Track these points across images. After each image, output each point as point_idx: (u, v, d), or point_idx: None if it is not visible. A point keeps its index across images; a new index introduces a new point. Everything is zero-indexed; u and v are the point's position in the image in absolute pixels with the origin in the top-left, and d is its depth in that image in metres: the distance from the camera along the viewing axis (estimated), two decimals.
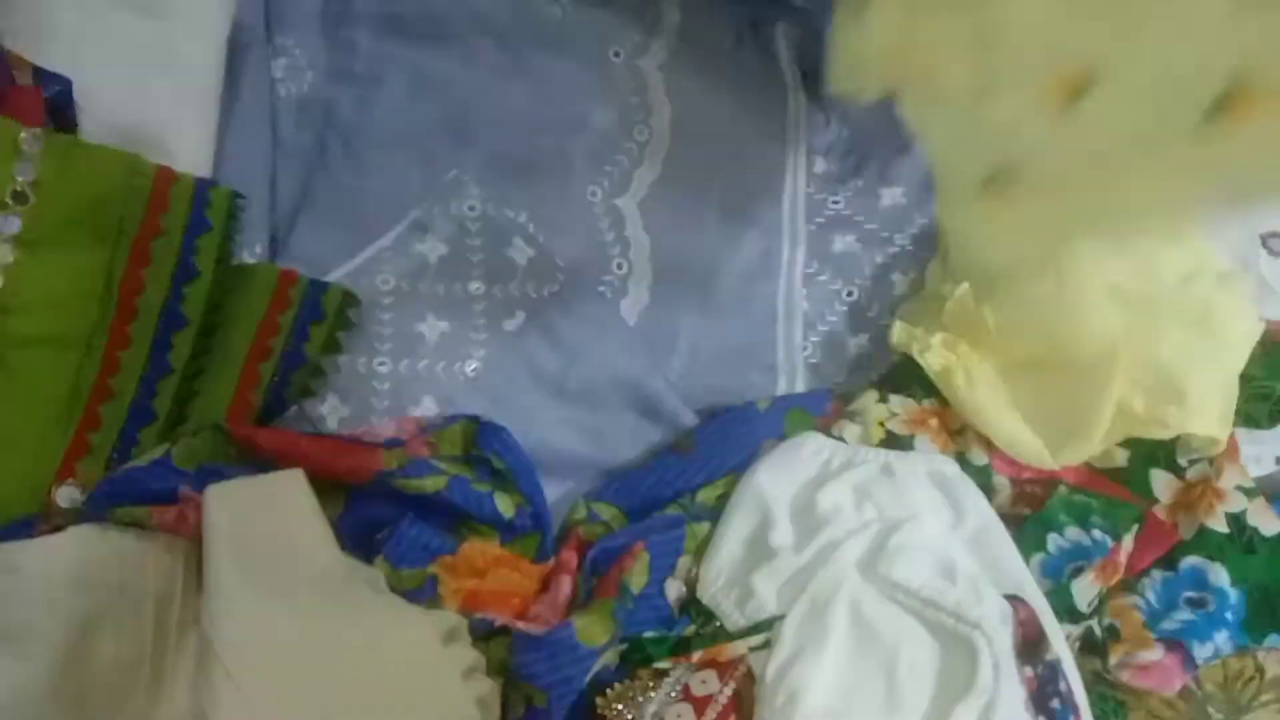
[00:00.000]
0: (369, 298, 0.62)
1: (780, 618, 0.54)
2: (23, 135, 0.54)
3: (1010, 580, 0.55)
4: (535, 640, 0.52)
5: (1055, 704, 0.49)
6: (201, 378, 0.57)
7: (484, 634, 0.53)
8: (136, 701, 0.48)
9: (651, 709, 0.53)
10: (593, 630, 0.52)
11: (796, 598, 0.54)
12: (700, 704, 0.53)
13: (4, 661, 0.46)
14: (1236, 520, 0.60)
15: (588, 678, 0.53)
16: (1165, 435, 0.59)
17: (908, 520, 0.57)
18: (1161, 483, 0.60)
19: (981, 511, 0.58)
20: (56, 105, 0.57)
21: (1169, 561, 0.60)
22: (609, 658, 0.54)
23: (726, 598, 0.55)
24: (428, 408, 0.61)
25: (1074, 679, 0.52)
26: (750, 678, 0.53)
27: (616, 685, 0.53)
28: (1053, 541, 0.57)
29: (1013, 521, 0.59)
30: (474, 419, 0.59)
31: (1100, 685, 0.56)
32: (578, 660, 0.52)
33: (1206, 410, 0.59)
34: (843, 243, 0.71)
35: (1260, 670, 0.60)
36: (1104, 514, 0.58)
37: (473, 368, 0.62)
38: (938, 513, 0.59)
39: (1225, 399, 0.59)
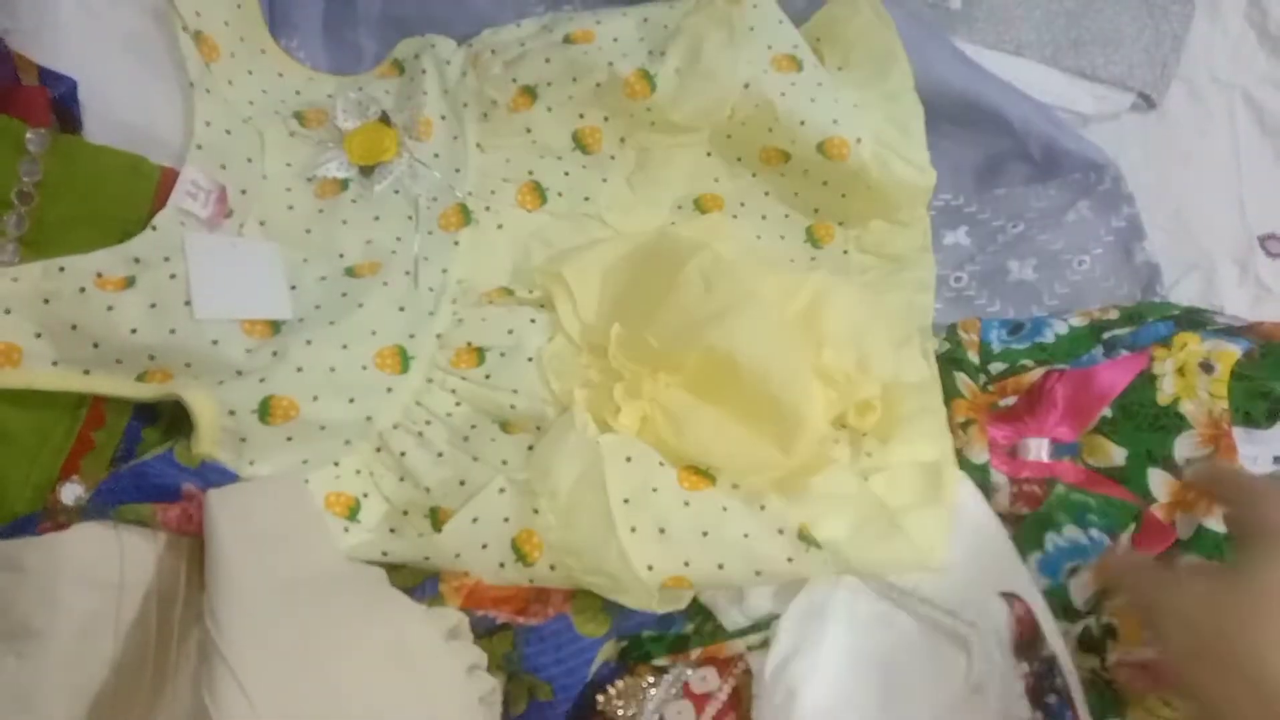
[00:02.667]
0: None
1: (778, 616, 0.54)
2: (28, 135, 0.55)
3: (1007, 578, 0.55)
4: (539, 633, 0.52)
5: (1052, 700, 0.49)
6: None
7: (485, 631, 0.53)
8: (139, 700, 0.48)
9: (652, 706, 0.53)
10: (588, 621, 0.53)
11: (793, 596, 0.54)
12: (700, 701, 0.53)
13: (7, 660, 0.46)
14: None
15: (591, 670, 0.53)
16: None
17: None
18: (1159, 482, 0.60)
19: (979, 510, 0.58)
20: (62, 105, 0.58)
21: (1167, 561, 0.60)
22: (608, 652, 0.54)
23: (725, 596, 0.55)
24: None
25: (1070, 675, 0.52)
26: (749, 675, 0.54)
27: (618, 683, 0.54)
28: (1050, 540, 0.57)
29: (1011, 520, 0.59)
30: None
31: (1097, 684, 0.56)
32: (580, 652, 0.52)
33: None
34: None
35: None
36: (1102, 513, 0.58)
37: None
38: None
39: None
